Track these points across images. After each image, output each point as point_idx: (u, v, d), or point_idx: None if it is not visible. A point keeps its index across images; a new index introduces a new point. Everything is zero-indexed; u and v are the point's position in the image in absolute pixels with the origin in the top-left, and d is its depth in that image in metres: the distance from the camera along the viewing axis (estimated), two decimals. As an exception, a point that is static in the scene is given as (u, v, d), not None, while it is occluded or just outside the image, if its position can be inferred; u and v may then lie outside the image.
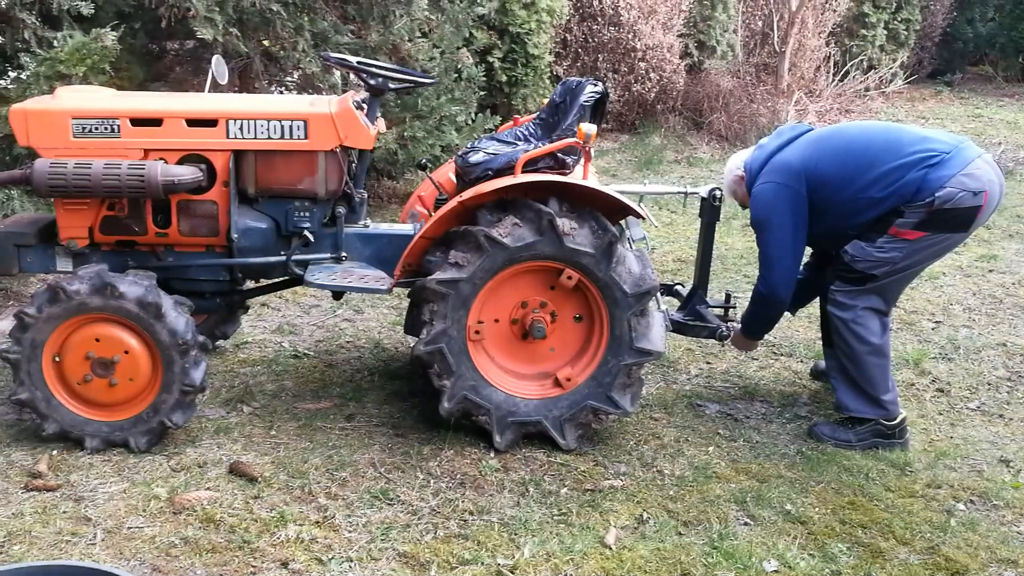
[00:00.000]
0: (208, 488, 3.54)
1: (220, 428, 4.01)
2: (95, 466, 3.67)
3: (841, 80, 12.39)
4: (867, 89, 12.73)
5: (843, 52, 13.33)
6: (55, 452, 3.75)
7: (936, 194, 3.79)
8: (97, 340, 3.66)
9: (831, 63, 12.41)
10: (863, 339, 4.00)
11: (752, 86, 11.61)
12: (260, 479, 3.61)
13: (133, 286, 3.63)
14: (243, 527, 3.30)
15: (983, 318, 5.74)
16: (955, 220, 3.86)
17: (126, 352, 3.67)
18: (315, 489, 3.57)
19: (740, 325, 4.50)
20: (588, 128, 3.67)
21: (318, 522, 3.36)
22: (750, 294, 4.38)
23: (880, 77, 12.99)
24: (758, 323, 4.40)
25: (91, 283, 3.61)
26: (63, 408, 3.73)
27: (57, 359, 3.69)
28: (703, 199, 4.53)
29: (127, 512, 3.37)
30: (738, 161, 4.40)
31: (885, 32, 14.35)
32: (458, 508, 3.49)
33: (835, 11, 12.30)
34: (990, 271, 6.66)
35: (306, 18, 6.30)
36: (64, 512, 3.36)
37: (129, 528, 3.28)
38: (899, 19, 14.53)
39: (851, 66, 12.65)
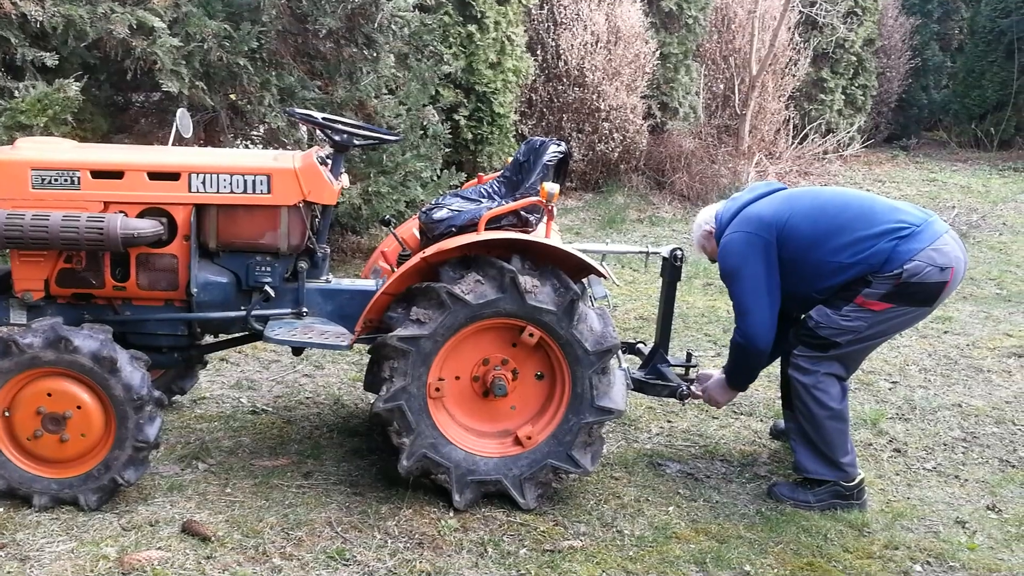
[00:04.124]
0: (159, 548, 3.45)
1: (174, 485, 3.93)
2: (43, 524, 3.58)
3: (800, 143, 12.68)
4: (825, 152, 13.04)
5: (802, 116, 13.69)
6: (1, 510, 3.64)
7: (904, 266, 3.82)
8: (49, 395, 3.59)
9: (791, 126, 12.72)
10: (823, 404, 4.01)
11: (713, 147, 11.84)
12: (213, 538, 3.53)
13: (88, 340, 3.57)
14: (194, 588, 3.22)
15: (939, 379, 5.81)
16: (921, 294, 3.89)
17: (78, 407, 3.60)
18: (270, 549, 3.50)
19: (723, 375, 4.39)
20: (551, 187, 3.71)
21: (272, 583, 3.29)
22: (710, 353, 4.39)
23: (838, 141, 13.32)
24: (741, 373, 4.32)
25: (44, 336, 3.54)
26: (11, 464, 3.63)
27: (7, 414, 3.60)
28: (664, 258, 4.57)
29: (74, 573, 3.27)
30: (708, 215, 4.39)
31: (843, 97, 14.76)
32: (415, 569, 3.43)
33: (795, 76, 12.67)
34: (945, 332, 6.77)
35: (273, 73, 6.33)
36: (8, 572, 3.25)
37: (75, 589, 3.19)
38: (856, 85, 14.97)
39: (810, 129, 12.97)
